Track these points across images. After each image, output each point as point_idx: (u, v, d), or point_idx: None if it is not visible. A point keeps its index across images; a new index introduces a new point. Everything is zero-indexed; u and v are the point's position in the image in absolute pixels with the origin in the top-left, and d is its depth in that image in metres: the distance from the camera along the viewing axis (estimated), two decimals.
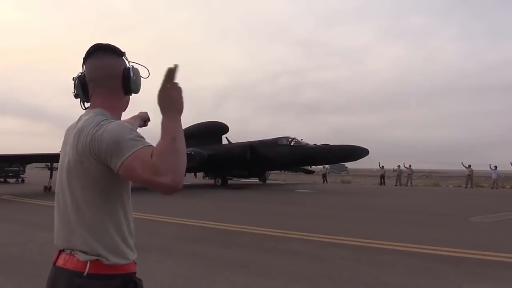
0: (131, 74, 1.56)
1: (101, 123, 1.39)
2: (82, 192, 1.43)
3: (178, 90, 1.35)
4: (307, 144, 23.96)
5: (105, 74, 1.55)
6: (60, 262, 1.47)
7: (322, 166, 35.39)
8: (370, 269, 5.29)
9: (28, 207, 12.96)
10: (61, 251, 1.50)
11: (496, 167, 28.11)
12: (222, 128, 26.61)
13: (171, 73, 1.32)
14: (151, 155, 1.26)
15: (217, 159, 24.36)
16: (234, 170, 25.97)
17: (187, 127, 26.66)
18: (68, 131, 1.59)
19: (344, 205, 14.55)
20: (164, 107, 1.33)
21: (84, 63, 1.58)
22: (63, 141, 1.58)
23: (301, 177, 42.40)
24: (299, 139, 24.15)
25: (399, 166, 31.71)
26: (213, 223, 8.94)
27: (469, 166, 28.68)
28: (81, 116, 1.57)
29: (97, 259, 1.40)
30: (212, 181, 27.60)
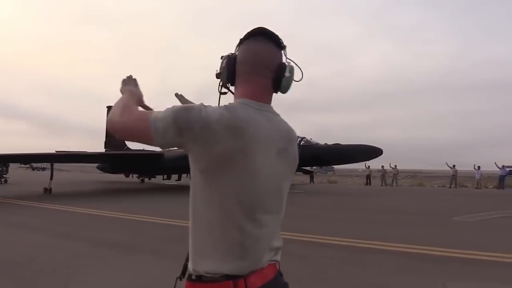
0: (287, 71, 1.44)
1: None
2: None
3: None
4: (317, 143, 23.27)
5: (264, 61, 1.43)
6: (275, 271, 1.46)
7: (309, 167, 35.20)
8: (357, 269, 5.31)
9: (21, 209, 12.73)
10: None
11: (479, 167, 28.55)
12: None
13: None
14: None
15: None
16: None
17: None
18: (255, 118, 1.35)
19: (331, 205, 14.63)
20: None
21: (240, 44, 1.47)
22: (243, 131, 1.29)
23: (295, 178, 42.25)
24: (309, 139, 23.43)
25: (383, 167, 32.03)
26: None
27: (454, 166, 29.07)
28: (268, 108, 1.44)
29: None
30: None
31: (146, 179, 30.70)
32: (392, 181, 31.14)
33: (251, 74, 1.43)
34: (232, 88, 1.52)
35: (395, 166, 31.90)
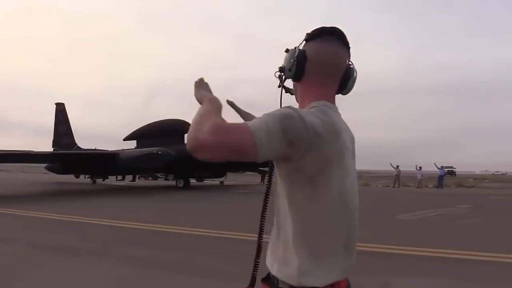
0: (354, 73, 1.44)
1: None
2: None
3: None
4: None
5: (338, 64, 1.39)
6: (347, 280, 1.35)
7: None
8: None
9: None
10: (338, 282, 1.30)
11: (420, 167, 29.96)
12: (184, 127, 24.34)
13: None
14: None
15: (182, 159, 22.39)
16: (199, 170, 24.87)
17: (146, 125, 25.43)
18: (339, 122, 1.34)
19: None
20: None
21: (309, 40, 1.39)
22: (339, 135, 1.29)
23: (245, 178, 42.22)
24: None
25: None
26: (152, 225, 8.72)
27: (397, 166, 30.32)
28: (335, 109, 1.39)
29: None
30: (172, 183, 26.76)
31: (100, 180, 29.49)
32: None
33: (325, 75, 1.39)
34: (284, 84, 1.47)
35: None
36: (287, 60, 1.40)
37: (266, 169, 33.17)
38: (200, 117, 1.20)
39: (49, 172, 29.90)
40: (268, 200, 1.43)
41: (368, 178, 47.23)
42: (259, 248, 1.45)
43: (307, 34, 1.40)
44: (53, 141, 31.10)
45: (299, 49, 1.39)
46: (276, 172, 1.33)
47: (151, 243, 7.01)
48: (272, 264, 1.35)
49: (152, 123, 25.65)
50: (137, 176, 32.00)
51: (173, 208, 13.46)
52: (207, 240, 7.23)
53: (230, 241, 7.11)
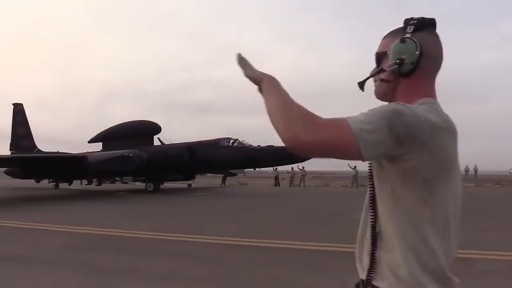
0: None
1: None
2: None
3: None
4: (250, 145, 22.52)
5: (441, 57, 1.30)
6: None
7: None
8: (263, 267, 5.46)
9: None
10: None
11: None
12: (153, 128, 24.37)
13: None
14: None
15: (153, 161, 22.13)
16: (170, 173, 24.21)
17: (113, 127, 24.67)
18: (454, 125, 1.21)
19: (240, 206, 14.87)
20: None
21: (417, 30, 1.25)
22: (455, 134, 1.21)
23: (205, 180, 41.83)
24: (241, 140, 22.70)
25: (292, 168, 33.25)
26: (109, 230, 8.49)
27: (355, 167, 31.01)
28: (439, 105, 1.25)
29: None
30: (142, 186, 26.02)
31: (65, 184, 28.19)
32: (300, 182, 32.41)
33: (434, 70, 1.29)
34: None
35: (303, 167, 33.23)
36: (410, 52, 1.23)
37: (234, 171, 33.24)
38: (286, 109, 1.11)
39: (6, 176, 28.51)
40: (375, 206, 1.28)
41: (328, 178, 48.17)
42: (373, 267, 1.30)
43: (412, 24, 1.26)
44: (11, 143, 29.60)
45: (413, 39, 1.24)
46: (380, 175, 1.22)
47: (109, 249, 6.83)
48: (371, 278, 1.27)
49: (119, 124, 24.89)
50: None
51: (142, 213, 13.10)
52: (168, 244, 7.15)
53: (192, 244, 7.07)
